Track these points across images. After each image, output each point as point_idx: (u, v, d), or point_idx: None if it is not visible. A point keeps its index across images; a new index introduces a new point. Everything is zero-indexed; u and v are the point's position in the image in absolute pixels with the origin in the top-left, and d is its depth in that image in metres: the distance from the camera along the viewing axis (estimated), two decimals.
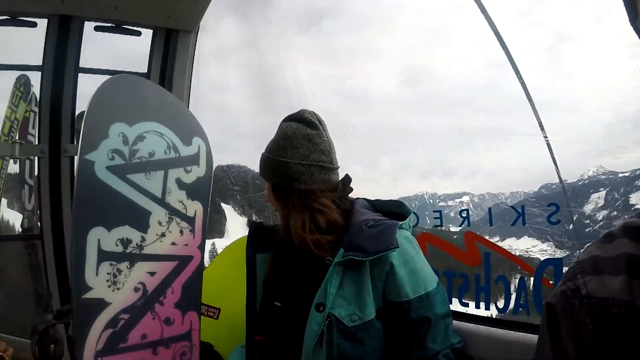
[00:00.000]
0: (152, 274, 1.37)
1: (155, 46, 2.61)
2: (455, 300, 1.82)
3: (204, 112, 1.56)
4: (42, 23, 2.55)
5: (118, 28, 2.56)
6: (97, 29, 2.59)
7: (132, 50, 2.85)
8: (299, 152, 1.41)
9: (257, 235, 1.60)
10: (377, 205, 1.51)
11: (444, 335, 1.33)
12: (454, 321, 1.42)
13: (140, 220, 1.35)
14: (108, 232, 1.27)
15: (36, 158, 2.89)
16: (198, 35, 2.65)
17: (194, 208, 1.49)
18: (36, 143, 2.76)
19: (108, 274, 1.27)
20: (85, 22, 2.57)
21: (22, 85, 5.33)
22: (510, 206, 1.68)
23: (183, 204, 1.46)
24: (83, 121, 1.27)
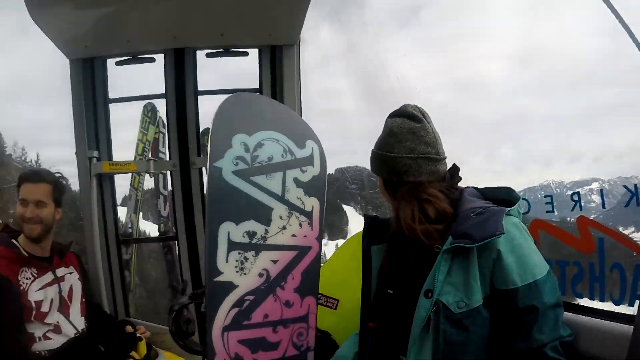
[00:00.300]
0: (274, 261, 1.53)
1: (262, 63, 2.82)
2: (569, 291, 1.74)
3: (316, 119, 1.69)
4: (160, 58, 2.89)
5: (227, 52, 2.83)
6: (208, 55, 2.88)
7: (244, 69, 3.14)
8: (405, 146, 1.46)
9: (372, 228, 1.66)
10: (486, 193, 1.51)
11: (552, 327, 1.29)
12: (565, 313, 1.36)
13: (263, 215, 1.52)
14: (236, 226, 1.46)
15: (169, 172, 3.27)
16: (300, 47, 2.80)
17: (311, 203, 1.63)
18: (167, 159, 3.09)
19: (236, 261, 1.46)
20: (197, 51, 2.87)
21: (150, 111, 6.01)
22: (623, 185, 1.59)
23: (301, 200, 1.60)
24: (209, 135, 1.47)
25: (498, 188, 1.52)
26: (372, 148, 1.58)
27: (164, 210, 6.29)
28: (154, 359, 2.21)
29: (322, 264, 2.41)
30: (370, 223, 1.69)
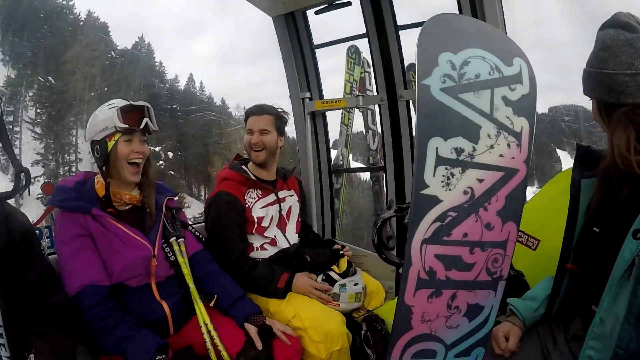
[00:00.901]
0: (480, 180, 1.46)
1: None
2: None
3: (525, 52, 1.56)
4: (356, 1, 3.00)
5: None
6: None
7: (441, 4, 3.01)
8: (621, 61, 1.27)
9: (585, 160, 1.52)
10: None
11: None
12: None
13: (471, 132, 1.45)
14: (444, 142, 1.41)
15: (377, 108, 3.39)
16: None
17: (520, 124, 1.51)
18: (375, 94, 3.20)
19: (443, 176, 1.42)
20: None
21: (354, 53, 6.31)
22: None
23: (510, 119, 1.50)
24: (416, 54, 1.42)
25: None
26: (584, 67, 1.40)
27: (373, 144, 6.78)
28: (352, 274, 2.42)
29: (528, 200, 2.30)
30: (583, 154, 1.54)
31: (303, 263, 2.41)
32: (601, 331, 1.30)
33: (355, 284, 2.37)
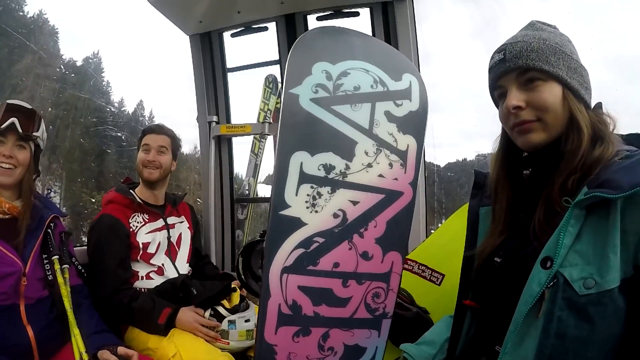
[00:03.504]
0: (354, 203, 1.23)
1: (375, 22, 2.58)
2: None
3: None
4: (272, 26, 2.86)
5: (338, 14, 2.67)
6: (318, 19, 2.76)
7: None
8: (579, 62, 1.07)
9: (483, 186, 1.28)
10: (631, 140, 1.06)
11: None
12: None
13: (344, 148, 1.23)
14: (311, 157, 1.19)
15: None
16: (414, 1, 2.49)
17: (406, 142, 1.30)
18: None
19: (307, 195, 1.18)
20: (308, 16, 2.76)
21: (271, 82, 6.13)
22: None
23: (393, 136, 1.28)
24: (286, 64, 1.23)
25: None
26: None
27: None
28: (244, 310, 2.13)
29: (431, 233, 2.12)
30: (481, 179, 1.32)
31: (188, 296, 2.11)
32: None
33: (247, 320, 2.07)
